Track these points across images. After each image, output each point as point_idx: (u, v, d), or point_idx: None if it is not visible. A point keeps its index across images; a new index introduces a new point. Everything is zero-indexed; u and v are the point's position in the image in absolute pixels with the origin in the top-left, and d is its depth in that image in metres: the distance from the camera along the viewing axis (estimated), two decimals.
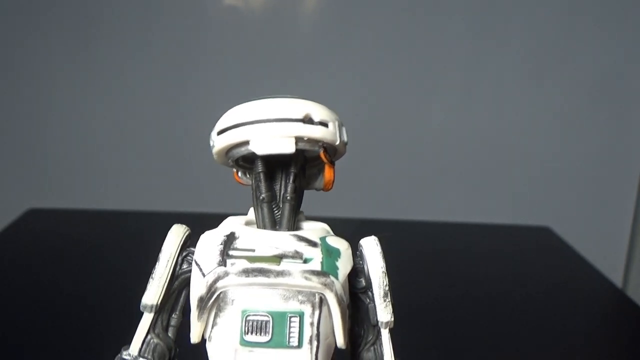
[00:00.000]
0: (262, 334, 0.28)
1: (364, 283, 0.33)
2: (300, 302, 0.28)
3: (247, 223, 0.33)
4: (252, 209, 0.33)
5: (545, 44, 1.25)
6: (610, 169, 1.32)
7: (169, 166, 1.27)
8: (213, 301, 0.28)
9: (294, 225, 0.32)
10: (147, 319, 0.32)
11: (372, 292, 0.33)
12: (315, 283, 0.28)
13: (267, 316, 0.28)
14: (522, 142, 1.30)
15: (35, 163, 1.28)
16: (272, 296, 0.28)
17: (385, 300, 0.33)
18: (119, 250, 0.98)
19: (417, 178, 1.30)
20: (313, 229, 0.32)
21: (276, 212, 0.32)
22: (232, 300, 0.28)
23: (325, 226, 0.34)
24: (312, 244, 0.30)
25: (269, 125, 0.30)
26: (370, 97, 1.27)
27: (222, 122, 0.32)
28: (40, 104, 1.25)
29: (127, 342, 0.34)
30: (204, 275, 0.29)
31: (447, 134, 1.28)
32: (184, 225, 0.33)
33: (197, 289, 0.29)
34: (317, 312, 0.28)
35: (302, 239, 0.30)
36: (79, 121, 1.26)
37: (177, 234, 0.33)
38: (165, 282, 0.32)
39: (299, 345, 0.28)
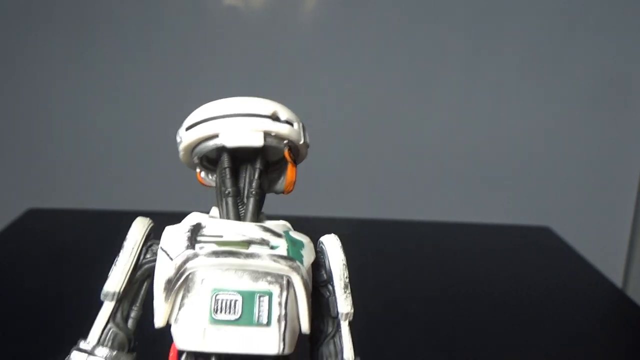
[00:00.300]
0: (231, 312, 0.28)
1: (325, 276, 0.34)
2: (269, 283, 0.29)
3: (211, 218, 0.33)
4: (214, 208, 0.34)
5: (545, 44, 1.25)
6: (610, 169, 1.32)
7: (169, 166, 1.27)
8: (181, 282, 0.28)
9: (257, 221, 0.33)
10: (107, 308, 0.32)
11: (332, 285, 0.33)
12: (283, 266, 0.29)
13: (237, 295, 0.28)
14: (521, 142, 1.29)
15: (35, 163, 1.28)
16: (242, 277, 0.28)
17: (345, 292, 0.33)
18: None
19: (416, 178, 1.30)
20: (276, 224, 0.33)
21: (240, 208, 0.33)
22: (202, 280, 0.28)
23: (287, 223, 0.34)
24: (277, 234, 0.31)
25: (239, 119, 0.31)
26: (370, 97, 1.26)
27: (191, 118, 0.33)
28: (40, 104, 1.25)
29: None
30: (171, 259, 0.29)
31: (447, 134, 1.28)
32: (148, 218, 0.34)
33: (164, 272, 0.29)
34: (284, 293, 0.29)
35: (267, 229, 0.31)
36: (78, 121, 1.26)
37: (142, 223, 0.34)
38: (129, 270, 0.32)
39: (268, 323, 0.28)
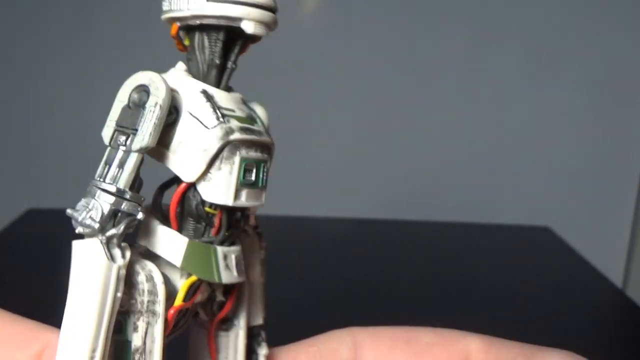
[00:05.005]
0: (251, 177, 0.36)
1: None
2: (265, 154, 0.36)
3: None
4: (180, 64, 0.39)
5: (545, 44, 1.25)
6: (610, 169, 1.32)
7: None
8: (221, 151, 0.35)
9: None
10: (137, 159, 0.36)
11: None
12: (270, 140, 0.37)
13: (254, 164, 0.36)
14: (522, 142, 1.30)
15: (35, 163, 1.28)
16: (257, 150, 0.36)
17: None
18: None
19: (416, 178, 1.30)
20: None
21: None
22: (237, 152, 0.35)
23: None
24: (247, 106, 0.38)
25: (260, 11, 0.36)
26: (371, 97, 1.26)
27: None
28: (40, 104, 1.25)
29: None
30: (207, 127, 0.34)
31: (448, 134, 1.28)
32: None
33: (202, 140, 0.34)
34: (269, 161, 0.37)
35: (243, 101, 0.38)
36: (78, 121, 1.25)
37: (162, 83, 0.35)
38: (160, 129, 0.36)
39: (264, 186, 0.36)
